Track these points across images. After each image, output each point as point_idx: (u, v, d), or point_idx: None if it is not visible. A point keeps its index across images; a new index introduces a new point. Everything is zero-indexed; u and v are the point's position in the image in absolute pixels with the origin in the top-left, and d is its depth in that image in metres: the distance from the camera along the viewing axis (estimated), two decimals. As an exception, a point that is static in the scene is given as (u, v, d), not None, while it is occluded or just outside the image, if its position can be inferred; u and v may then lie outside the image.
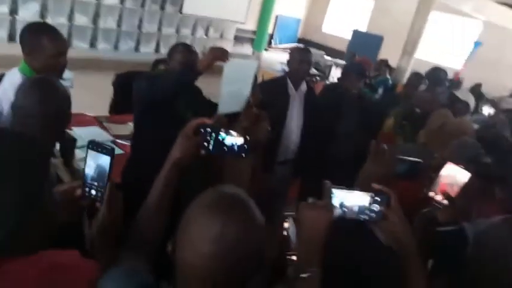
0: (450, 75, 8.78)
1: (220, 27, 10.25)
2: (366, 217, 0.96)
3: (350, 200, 0.96)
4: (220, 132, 1.09)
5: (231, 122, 1.69)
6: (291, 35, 14.24)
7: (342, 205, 0.95)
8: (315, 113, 2.82)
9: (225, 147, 1.09)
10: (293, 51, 2.84)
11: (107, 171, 0.97)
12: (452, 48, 12.58)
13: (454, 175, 1.20)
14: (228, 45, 10.46)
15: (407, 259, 0.95)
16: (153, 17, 8.60)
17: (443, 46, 12.68)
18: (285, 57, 2.98)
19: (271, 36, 13.57)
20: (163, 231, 1.03)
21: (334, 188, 0.95)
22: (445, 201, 1.21)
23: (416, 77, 3.36)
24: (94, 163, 0.97)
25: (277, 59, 9.99)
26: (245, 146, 1.10)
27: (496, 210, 1.36)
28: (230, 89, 1.73)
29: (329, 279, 0.90)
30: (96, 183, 0.97)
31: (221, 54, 1.88)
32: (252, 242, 0.76)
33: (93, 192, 0.97)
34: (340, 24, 14.57)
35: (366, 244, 1.04)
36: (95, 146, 0.96)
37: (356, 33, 11.30)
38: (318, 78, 8.03)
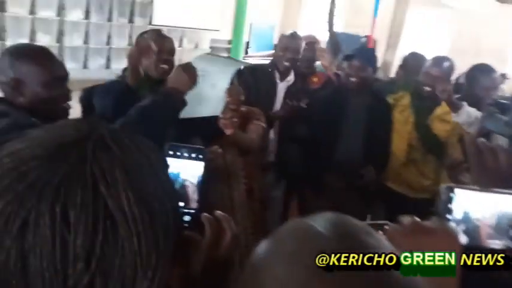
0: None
1: (194, 37, 8.72)
2: None
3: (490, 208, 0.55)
4: None
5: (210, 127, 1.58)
6: (267, 43, 9.40)
7: (467, 219, 0.55)
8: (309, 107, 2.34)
9: None
10: (280, 38, 2.53)
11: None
12: (432, 39, 9.45)
13: None
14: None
15: None
16: (122, 31, 7.31)
17: (424, 38, 9.47)
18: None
19: (248, 45, 9.74)
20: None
21: (456, 187, 0.56)
22: None
23: (414, 56, 2.85)
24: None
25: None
26: None
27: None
28: (201, 89, 1.49)
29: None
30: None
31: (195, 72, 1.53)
32: None
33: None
34: (316, 26, 8.46)
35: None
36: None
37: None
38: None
